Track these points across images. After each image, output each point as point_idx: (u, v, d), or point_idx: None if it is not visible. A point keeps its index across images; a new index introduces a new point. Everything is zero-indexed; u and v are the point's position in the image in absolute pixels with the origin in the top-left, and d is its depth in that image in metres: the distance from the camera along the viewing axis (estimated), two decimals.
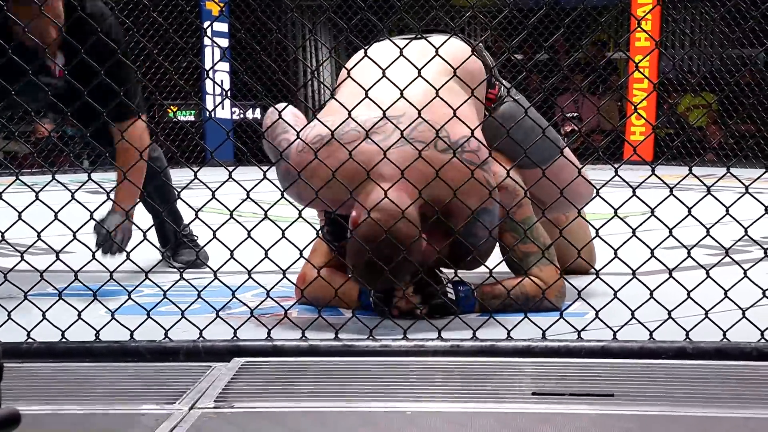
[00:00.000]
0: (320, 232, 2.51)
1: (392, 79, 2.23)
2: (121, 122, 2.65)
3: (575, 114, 9.38)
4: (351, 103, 2.26)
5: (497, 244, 2.61)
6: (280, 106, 2.45)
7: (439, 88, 2.21)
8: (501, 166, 2.43)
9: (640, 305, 2.12)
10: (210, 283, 2.19)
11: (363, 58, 2.30)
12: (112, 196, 2.49)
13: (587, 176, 2.71)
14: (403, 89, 2.19)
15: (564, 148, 2.69)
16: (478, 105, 2.55)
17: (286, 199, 2.37)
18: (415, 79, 2.19)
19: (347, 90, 2.41)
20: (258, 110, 9.89)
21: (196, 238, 3.40)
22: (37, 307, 2.19)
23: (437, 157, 2.29)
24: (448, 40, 2.36)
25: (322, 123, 2.37)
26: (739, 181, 2.12)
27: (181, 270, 2.23)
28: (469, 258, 2.38)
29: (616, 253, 2.11)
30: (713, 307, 2.12)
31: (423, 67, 2.20)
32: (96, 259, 2.30)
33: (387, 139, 2.32)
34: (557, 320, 2.15)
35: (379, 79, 2.22)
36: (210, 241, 2.20)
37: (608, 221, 2.19)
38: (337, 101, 2.31)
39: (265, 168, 2.18)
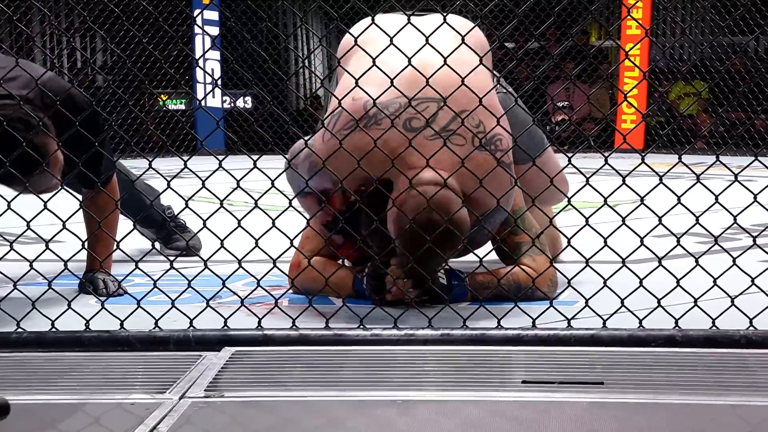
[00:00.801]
0: (328, 225, 2.48)
1: (407, 50, 2.20)
2: (102, 187, 2.65)
3: (566, 103, 9.39)
4: (370, 79, 2.22)
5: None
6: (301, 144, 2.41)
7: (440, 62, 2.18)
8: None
9: (630, 293, 2.13)
10: (200, 272, 2.19)
11: (369, 26, 2.26)
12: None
13: (564, 176, 2.75)
14: (406, 59, 2.16)
15: (548, 144, 2.71)
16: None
17: (277, 189, 2.36)
18: (414, 51, 2.17)
19: (363, 63, 2.29)
20: (249, 99, 9.87)
21: (183, 222, 3.40)
22: (26, 296, 2.19)
23: (473, 153, 2.29)
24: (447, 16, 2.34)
25: (344, 108, 2.30)
26: (729, 169, 2.13)
27: (172, 259, 2.23)
28: (461, 246, 2.38)
29: (605, 242, 2.11)
30: (702, 295, 2.13)
31: (425, 36, 2.16)
32: (86, 249, 2.29)
33: (425, 129, 2.28)
34: (547, 309, 2.16)
35: (381, 50, 2.18)
36: (200, 230, 2.20)
37: (598, 209, 2.19)
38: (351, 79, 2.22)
39: (255, 157, 2.17)
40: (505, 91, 2.65)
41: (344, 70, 2.33)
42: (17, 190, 2.34)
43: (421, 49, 2.19)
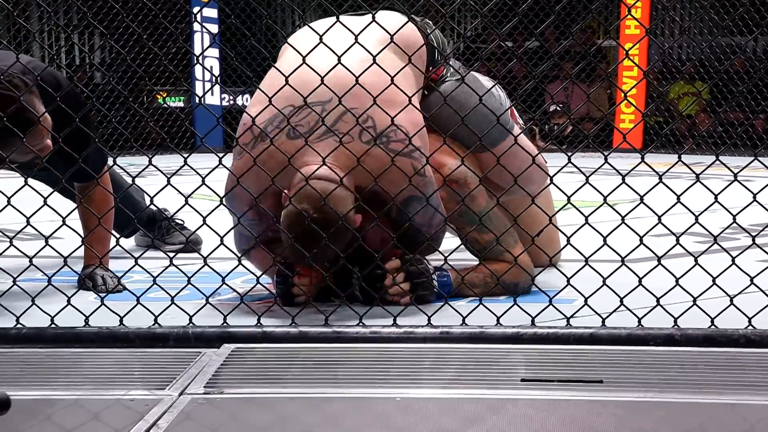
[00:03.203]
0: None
1: (327, 58, 2.21)
2: (92, 180, 2.65)
3: (560, 106, 9.37)
4: (261, 98, 2.27)
5: (457, 236, 2.62)
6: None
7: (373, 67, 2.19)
8: (452, 157, 2.44)
9: (629, 292, 2.13)
10: (200, 269, 2.19)
11: (297, 34, 2.29)
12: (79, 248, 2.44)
13: (542, 161, 2.67)
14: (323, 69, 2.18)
15: (518, 134, 2.59)
16: (416, 79, 2.52)
17: (277, 186, 2.36)
18: (338, 53, 2.18)
19: (276, 70, 2.35)
20: (247, 96, 9.86)
21: (181, 221, 3.41)
22: (26, 292, 2.19)
23: (361, 149, 2.30)
24: (387, 16, 2.36)
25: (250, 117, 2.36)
26: (728, 168, 2.13)
27: (172, 255, 2.23)
28: (417, 242, 2.38)
29: (605, 241, 2.11)
30: (701, 294, 2.13)
31: (351, 37, 2.18)
32: (85, 244, 2.29)
33: (311, 133, 2.32)
34: (546, 307, 2.16)
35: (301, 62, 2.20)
36: (200, 227, 2.20)
37: (597, 209, 2.19)
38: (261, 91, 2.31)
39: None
40: (456, 78, 2.57)
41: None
42: (5, 153, 2.31)
43: (311, 51, 2.20)
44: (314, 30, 2.28)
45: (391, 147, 2.31)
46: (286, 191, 2.28)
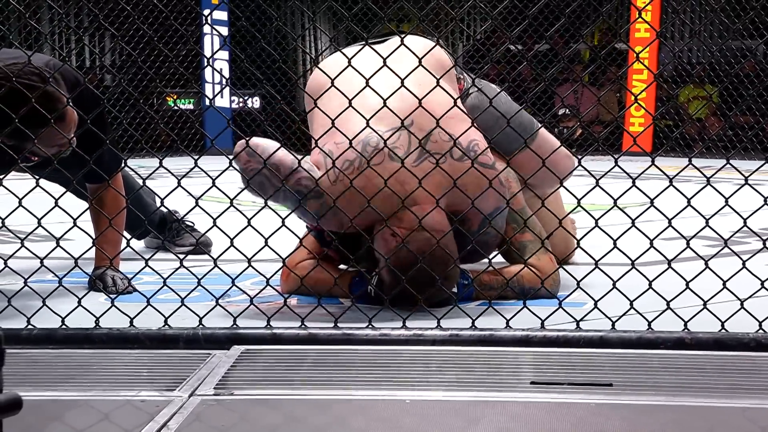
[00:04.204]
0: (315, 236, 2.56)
1: (380, 82, 2.24)
2: (105, 181, 2.65)
3: (568, 111, 9.35)
4: (351, 117, 2.24)
5: None
6: (263, 145, 2.33)
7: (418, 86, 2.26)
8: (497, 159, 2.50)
9: (639, 296, 2.13)
10: (210, 270, 2.19)
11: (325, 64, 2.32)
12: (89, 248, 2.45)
13: (566, 150, 2.77)
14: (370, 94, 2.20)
15: (540, 127, 2.72)
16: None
17: (287, 188, 2.36)
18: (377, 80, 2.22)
19: (337, 102, 2.30)
20: (257, 99, 9.88)
21: (192, 223, 3.42)
22: (37, 293, 2.20)
23: (456, 167, 2.35)
24: (406, 37, 2.39)
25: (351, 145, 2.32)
26: (739, 172, 2.13)
27: (182, 257, 2.23)
28: (470, 248, 2.40)
29: (615, 244, 2.11)
30: (712, 298, 2.13)
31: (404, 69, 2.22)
32: (97, 246, 2.29)
33: (408, 155, 2.36)
34: (556, 310, 2.16)
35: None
36: (210, 229, 2.20)
37: (607, 212, 2.19)
38: (357, 112, 2.23)
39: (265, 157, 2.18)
40: (478, 88, 2.65)
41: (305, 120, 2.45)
42: (27, 146, 2.31)
43: (375, 73, 2.21)
44: (344, 55, 2.31)
45: (480, 161, 2.38)
46: (397, 229, 2.33)
